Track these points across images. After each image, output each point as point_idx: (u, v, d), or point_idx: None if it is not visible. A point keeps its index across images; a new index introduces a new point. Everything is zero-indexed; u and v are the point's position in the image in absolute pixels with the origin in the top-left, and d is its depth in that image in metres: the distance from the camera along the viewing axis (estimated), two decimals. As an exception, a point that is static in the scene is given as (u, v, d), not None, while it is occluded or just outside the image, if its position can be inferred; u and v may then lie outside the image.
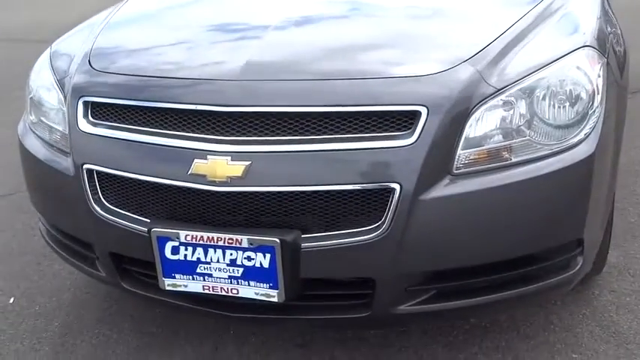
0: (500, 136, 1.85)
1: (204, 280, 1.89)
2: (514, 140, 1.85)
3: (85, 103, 2.07)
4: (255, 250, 1.81)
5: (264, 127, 1.84)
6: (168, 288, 1.93)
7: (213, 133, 1.86)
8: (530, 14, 2.13)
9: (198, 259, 1.87)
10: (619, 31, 2.43)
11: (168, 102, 1.92)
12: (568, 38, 2.06)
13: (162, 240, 1.88)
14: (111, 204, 2.01)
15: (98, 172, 2.01)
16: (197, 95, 1.90)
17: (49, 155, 2.19)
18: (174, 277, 1.91)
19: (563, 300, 2.45)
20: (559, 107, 1.90)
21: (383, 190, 1.77)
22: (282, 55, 2.02)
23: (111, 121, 2.02)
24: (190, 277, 1.90)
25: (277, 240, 1.77)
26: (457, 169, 1.82)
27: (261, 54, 1.99)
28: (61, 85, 2.21)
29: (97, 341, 2.38)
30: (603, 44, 2.10)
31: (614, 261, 2.70)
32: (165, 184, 1.89)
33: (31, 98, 2.36)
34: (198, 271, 1.88)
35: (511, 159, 1.85)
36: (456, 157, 1.81)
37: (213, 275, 1.87)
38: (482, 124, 1.83)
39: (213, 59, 2.07)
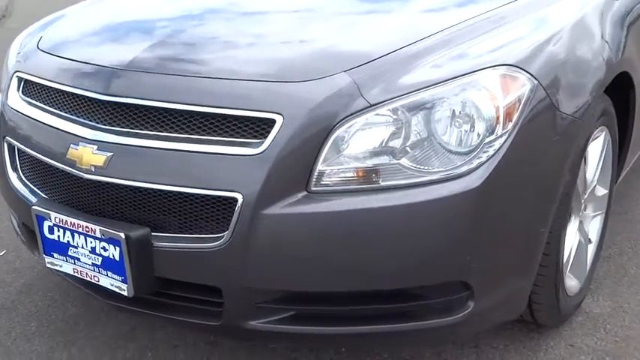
0: (369, 156, 1.59)
1: (74, 263, 1.81)
2: (385, 163, 1.58)
3: (19, 79, 2.06)
4: (107, 242, 1.71)
5: (131, 119, 1.72)
6: (47, 266, 1.88)
7: (90, 120, 1.78)
8: (465, 22, 1.81)
9: (69, 242, 1.80)
10: (612, 59, 1.99)
11: (67, 85, 1.85)
12: (486, 54, 1.70)
13: (40, 219, 1.83)
14: (26, 178, 2.00)
15: (17, 147, 2.01)
16: (86, 81, 1.82)
17: None
18: (52, 256, 1.86)
19: (509, 345, 2.10)
20: (449, 131, 1.60)
21: (227, 198, 1.59)
22: (169, 50, 1.86)
23: (32, 99, 2.00)
24: (64, 258, 1.83)
25: (122, 235, 1.65)
26: (315, 186, 1.58)
27: (154, 47, 1.85)
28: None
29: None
30: (543, 67, 1.71)
31: (598, 312, 2.27)
32: (52, 166, 1.84)
33: None
34: (69, 253, 1.81)
35: (379, 182, 1.59)
36: (315, 173, 1.58)
37: (81, 260, 1.79)
38: (349, 140, 1.58)
39: (119, 49, 1.95)
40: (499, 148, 1.60)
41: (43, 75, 1.95)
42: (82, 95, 1.81)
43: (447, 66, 1.66)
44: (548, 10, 1.92)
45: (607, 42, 1.96)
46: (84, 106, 1.80)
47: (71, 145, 1.76)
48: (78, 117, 1.81)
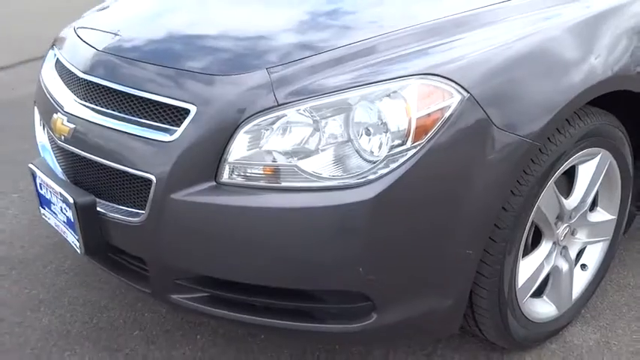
0: (272, 155, 1.51)
1: (55, 218, 1.94)
2: (286, 164, 1.50)
3: (53, 55, 2.20)
4: (65, 204, 1.80)
5: (92, 97, 1.78)
6: (43, 217, 2.03)
7: (73, 94, 1.86)
8: (403, 30, 1.62)
9: (50, 199, 1.93)
10: (596, 75, 1.68)
11: (69, 62, 1.95)
12: (414, 63, 1.52)
13: (34, 175, 1.98)
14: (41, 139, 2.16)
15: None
16: (77, 58, 1.91)
17: None
18: (44, 209, 2.01)
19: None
20: (357, 138, 1.48)
21: (145, 178, 1.60)
22: (140, 34, 1.89)
23: (54, 72, 2.11)
24: (51, 212, 1.97)
25: (72, 200, 1.73)
26: (222, 178, 1.54)
27: (132, 32, 1.89)
28: None
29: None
30: (480, 80, 1.51)
31: (578, 343, 2.00)
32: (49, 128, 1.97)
33: None
34: (51, 208, 1.94)
35: (280, 183, 1.51)
36: (223, 166, 1.53)
37: (57, 216, 1.91)
38: (255, 137, 1.51)
39: (105, 35, 1.94)
40: (406, 161, 1.45)
41: (63, 52, 2.07)
42: (71, 71, 1.91)
43: (367, 72, 1.52)
44: (501, 23, 1.66)
45: (590, 57, 1.67)
46: (72, 81, 1.90)
47: (53, 114, 1.87)
48: (68, 90, 1.91)
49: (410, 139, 1.46)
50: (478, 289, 1.70)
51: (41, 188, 1.97)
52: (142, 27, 1.96)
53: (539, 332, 1.93)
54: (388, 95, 1.48)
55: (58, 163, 1.91)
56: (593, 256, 2.06)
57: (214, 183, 1.55)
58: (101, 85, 1.76)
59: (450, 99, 1.49)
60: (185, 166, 1.55)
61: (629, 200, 2.06)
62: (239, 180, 1.54)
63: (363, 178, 1.46)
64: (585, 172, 1.86)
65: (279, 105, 1.50)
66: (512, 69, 1.56)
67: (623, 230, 2.18)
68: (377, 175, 1.46)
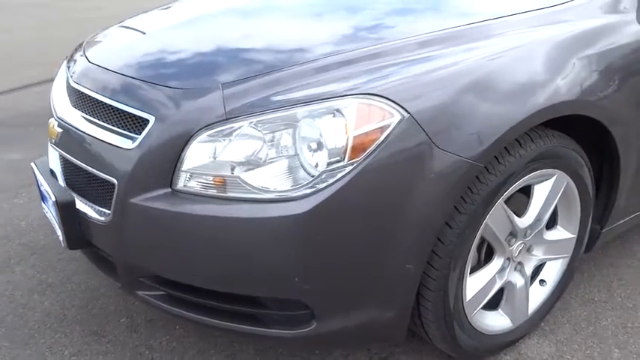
0: (220, 166, 1.40)
1: (49, 212, 1.88)
2: (231, 175, 1.39)
3: (66, 66, 2.13)
4: (51, 201, 1.74)
5: (77, 104, 1.71)
6: (44, 211, 1.98)
7: (68, 100, 1.80)
8: (356, 51, 1.49)
9: (45, 195, 1.87)
10: (550, 99, 1.51)
11: (69, 74, 1.87)
12: (357, 82, 1.38)
13: (34, 173, 1.92)
14: None
15: None
16: (74, 68, 1.84)
17: None
18: (44, 204, 1.94)
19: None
20: (300, 152, 1.36)
21: (110, 182, 1.52)
22: (126, 49, 1.80)
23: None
24: (47, 207, 1.90)
25: (54, 197, 1.67)
26: (178, 185, 1.44)
27: (122, 47, 1.82)
28: None
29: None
30: (421, 101, 1.37)
31: (532, 356, 1.82)
32: None
33: None
34: (47, 204, 1.87)
35: (227, 193, 1.40)
36: (178, 174, 1.44)
37: (51, 211, 1.86)
38: (206, 148, 1.41)
39: (99, 49, 1.90)
40: (342, 177, 1.33)
41: (69, 64, 1.99)
42: (67, 80, 1.85)
43: (313, 90, 1.40)
44: (448, 47, 1.49)
45: (537, 82, 1.50)
46: (68, 89, 1.84)
47: (51, 118, 1.82)
48: (67, 97, 1.84)
49: (347, 156, 1.33)
50: (424, 302, 1.56)
51: (40, 185, 1.92)
52: (131, 43, 1.88)
53: (492, 344, 1.77)
54: (329, 113, 1.35)
55: (52, 162, 1.86)
56: (553, 272, 1.87)
57: (170, 190, 1.46)
58: (84, 93, 1.70)
59: (389, 118, 1.35)
60: (143, 173, 1.46)
61: (590, 220, 1.86)
62: (192, 188, 1.44)
63: (300, 191, 1.34)
64: (540, 192, 1.68)
65: (228, 119, 1.40)
66: (456, 92, 1.41)
67: (587, 248, 1.99)
68: (314, 189, 1.34)
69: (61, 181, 1.81)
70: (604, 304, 2.05)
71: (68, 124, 1.69)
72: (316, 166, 1.35)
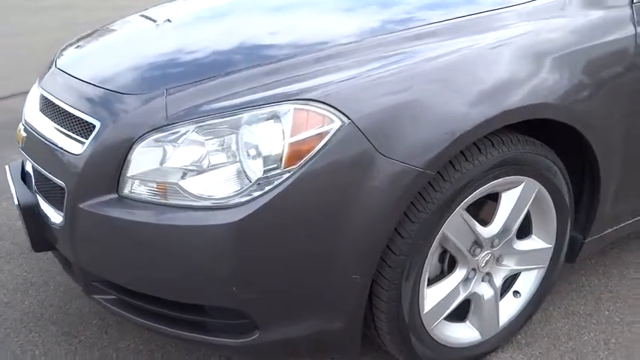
0: (162, 173, 1.38)
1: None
2: (170, 182, 1.37)
3: None
4: (18, 205, 1.76)
5: (43, 108, 1.72)
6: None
7: (37, 106, 1.81)
8: (301, 56, 1.45)
9: (17, 197, 1.91)
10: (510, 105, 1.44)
11: (40, 79, 1.89)
12: (297, 87, 1.34)
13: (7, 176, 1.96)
14: None
15: None
16: (43, 73, 1.86)
17: None
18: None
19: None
20: (240, 159, 1.33)
21: (61, 186, 1.52)
22: (91, 52, 1.81)
23: None
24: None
25: (17, 201, 1.69)
26: (124, 191, 1.43)
27: (87, 50, 1.82)
28: None
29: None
30: (363, 106, 1.32)
31: (504, 368, 1.76)
32: None
33: None
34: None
35: (167, 200, 1.38)
36: (123, 180, 1.43)
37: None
38: (149, 155, 1.39)
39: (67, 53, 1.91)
40: (277, 186, 1.29)
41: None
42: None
43: (258, 94, 1.36)
44: (394, 51, 1.43)
45: (493, 86, 1.42)
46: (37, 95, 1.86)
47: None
48: (37, 103, 1.86)
49: (283, 163, 1.30)
50: (378, 312, 1.51)
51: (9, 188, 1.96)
52: (97, 48, 1.90)
53: (458, 357, 1.71)
54: (269, 119, 1.32)
55: (23, 167, 1.88)
56: (528, 283, 1.79)
57: (116, 196, 1.45)
58: (46, 97, 1.71)
59: (329, 125, 1.31)
60: (90, 178, 1.45)
61: (568, 229, 1.77)
62: (138, 195, 1.43)
63: (236, 199, 1.32)
64: (507, 200, 1.60)
65: (170, 124, 1.38)
66: (404, 96, 1.36)
67: (570, 258, 1.90)
68: (249, 197, 1.31)
69: (33, 184, 1.83)
70: (589, 318, 1.95)
71: (32, 128, 1.71)
72: (253, 174, 1.32)
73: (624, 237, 2.16)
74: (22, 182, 1.82)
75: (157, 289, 1.45)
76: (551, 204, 1.69)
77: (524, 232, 1.74)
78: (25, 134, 1.74)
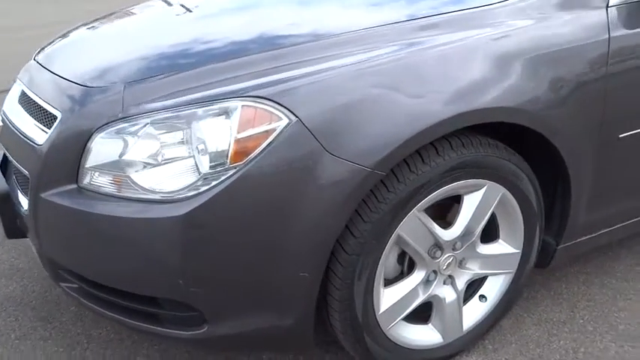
0: (117, 166, 1.41)
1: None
2: (123, 175, 1.39)
3: None
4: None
5: (20, 98, 1.76)
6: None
7: (15, 98, 1.85)
8: (261, 54, 1.46)
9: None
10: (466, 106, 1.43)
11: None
12: (247, 84, 1.35)
13: None
14: None
15: None
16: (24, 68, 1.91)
17: None
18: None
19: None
20: (190, 154, 1.35)
21: (27, 176, 1.56)
22: (67, 46, 1.85)
23: None
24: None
25: (-7, 190, 1.75)
26: (83, 182, 1.46)
27: (64, 43, 1.86)
28: None
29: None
30: (311, 104, 1.33)
31: (467, 373, 1.75)
32: None
33: None
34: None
35: (121, 192, 1.41)
36: (82, 171, 1.45)
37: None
38: (104, 147, 1.42)
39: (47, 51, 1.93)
40: (223, 181, 1.31)
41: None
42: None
43: (212, 90, 1.37)
44: (349, 50, 1.43)
45: (446, 88, 1.41)
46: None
47: None
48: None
49: (229, 159, 1.31)
50: (331, 311, 1.52)
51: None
52: (74, 41, 1.93)
53: (417, 358, 1.70)
54: (220, 115, 1.34)
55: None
56: (495, 288, 1.77)
57: (76, 186, 1.48)
58: (22, 89, 1.76)
59: (276, 122, 1.32)
60: (51, 168, 1.49)
61: (537, 235, 1.75)
62: (95, 186, 1.45)
63: (183, 194, 1.33)
64: (469, 203, 1.59)
65: (126, 117, 1.40)
66: (355, 95, 1.36)
67: (543, 264, 1.87)
68: (196, 191, 1.33)
69: (13, 174, 1.88)
70: (561, 326, 1.92)
71: (7, 118, 1.76)
72: (201, 169, 1.33)
73: (605, 245, 2.12)
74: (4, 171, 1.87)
75: (112, 280, 1.48)
76: (518, 209, 1.67)
77: (491, 236, 1.73)
78: (1, 124, 1.80)
